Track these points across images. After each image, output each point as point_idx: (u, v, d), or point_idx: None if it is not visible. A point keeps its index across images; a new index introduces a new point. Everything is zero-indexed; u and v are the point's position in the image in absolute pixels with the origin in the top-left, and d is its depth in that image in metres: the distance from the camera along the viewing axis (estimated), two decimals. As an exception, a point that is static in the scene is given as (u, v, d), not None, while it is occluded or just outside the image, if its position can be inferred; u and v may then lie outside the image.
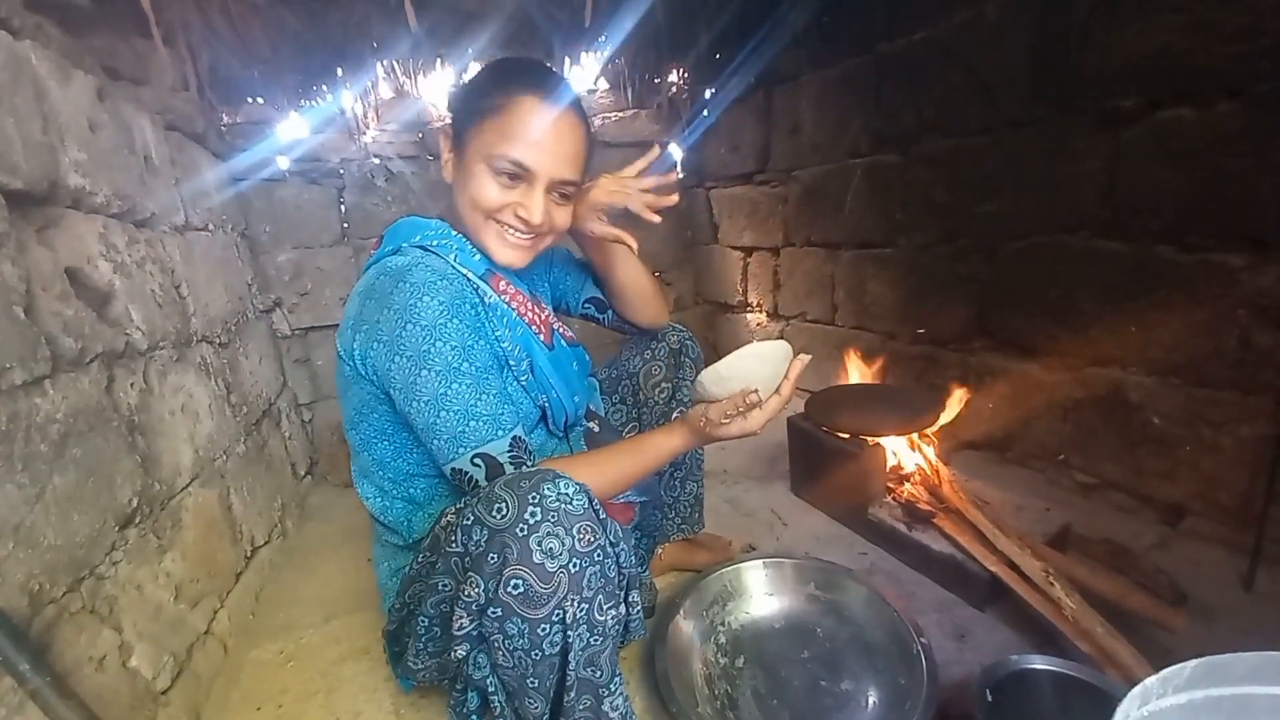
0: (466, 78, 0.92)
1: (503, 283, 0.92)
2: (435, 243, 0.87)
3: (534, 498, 0.65)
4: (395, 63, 2.08)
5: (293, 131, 2.15)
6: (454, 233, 0.90)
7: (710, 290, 3.01)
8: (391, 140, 2.31)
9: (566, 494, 0.66)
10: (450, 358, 0.76)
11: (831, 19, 1.96)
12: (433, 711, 1.04)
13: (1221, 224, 1.23)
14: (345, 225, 2.29)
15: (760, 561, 1.20)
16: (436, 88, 2.30)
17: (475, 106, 0.83)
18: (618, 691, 0.74)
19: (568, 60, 2.20)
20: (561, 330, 1.03)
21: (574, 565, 0.66)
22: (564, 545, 0.65)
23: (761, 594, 1.17)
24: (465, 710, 0.82)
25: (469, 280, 0.86)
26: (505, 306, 0.90)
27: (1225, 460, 1.29)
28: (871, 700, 0.96)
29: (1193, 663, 0.57)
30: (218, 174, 1.79)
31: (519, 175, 0.83)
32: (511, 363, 0.88)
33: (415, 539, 0.91)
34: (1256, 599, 1.15)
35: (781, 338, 2.60)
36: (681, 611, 1.09)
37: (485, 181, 0.83)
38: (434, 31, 1.85)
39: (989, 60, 1.56)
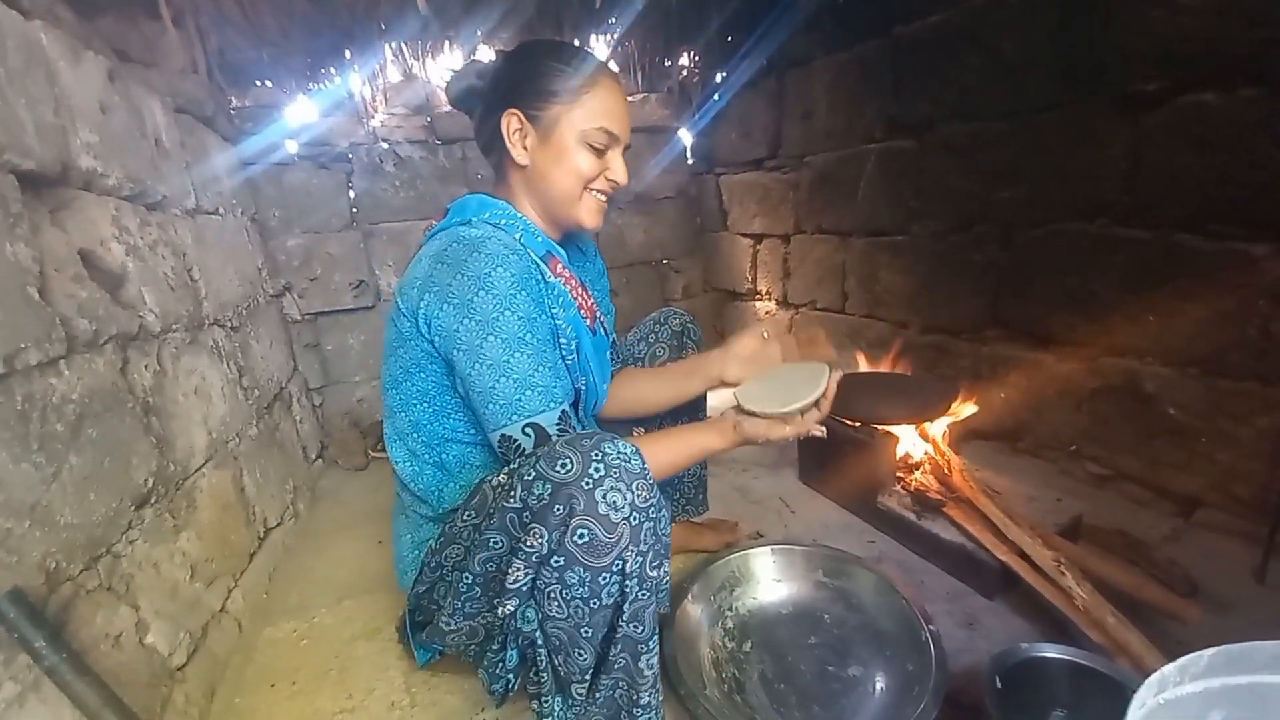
0: (515, 63, 0.94)
1: (559, 265, 0.97)
2: (502, 221, 0.92)
3: (596, 455, 0.69)
4: (403, 45, 2.06)
5: (301, 115, 2.15)
6: (518, 214, 0.94)
7: (719, 278, 2.99)
8: (400, 124, 2.30)
9: (625, 453, 0.70)
10: (516, 328, 0.80)
11: (847, 1, 1.93)
12: (444, 690, 1.05)
13: (1244, 212, 1.21)
14: (354, 210, 2.29)
15: (769, 548, 1.20)
16: (445, 70, 2.28)
17: (556, 88, 0.88)
18: (654, 650, 0.77)
19: (576, 42, 2.18)
20: (602, 319, 1.07)
21: (634, 519, 0.69)
22: (625, 499, 0.69)
23: (770, 580, 1.17)
24: (500, 671, 0.84)
25: (532, 259, 0.90)
26: (562, 287, 0.94)
27: (1242, 452, 1.27)
28: (879, 686, 0.97)
29: (1210, 651, 0.56)
30: (227, 158, 1.79)
31: (607, 145, 0.91)
32: (563, 341, 0.92)
33: (444, 510, 0.93)
34: (1270, 591, 1.14)
35: (790, 326, 2.58)
36: (690, 596, 1.09)
37: (583, 155, 0.91)
38: (442, 13, 1.83)
39: (1010, 43, 1.53)
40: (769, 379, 0.98)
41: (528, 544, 0.71)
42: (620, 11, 2.04)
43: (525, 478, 0.72)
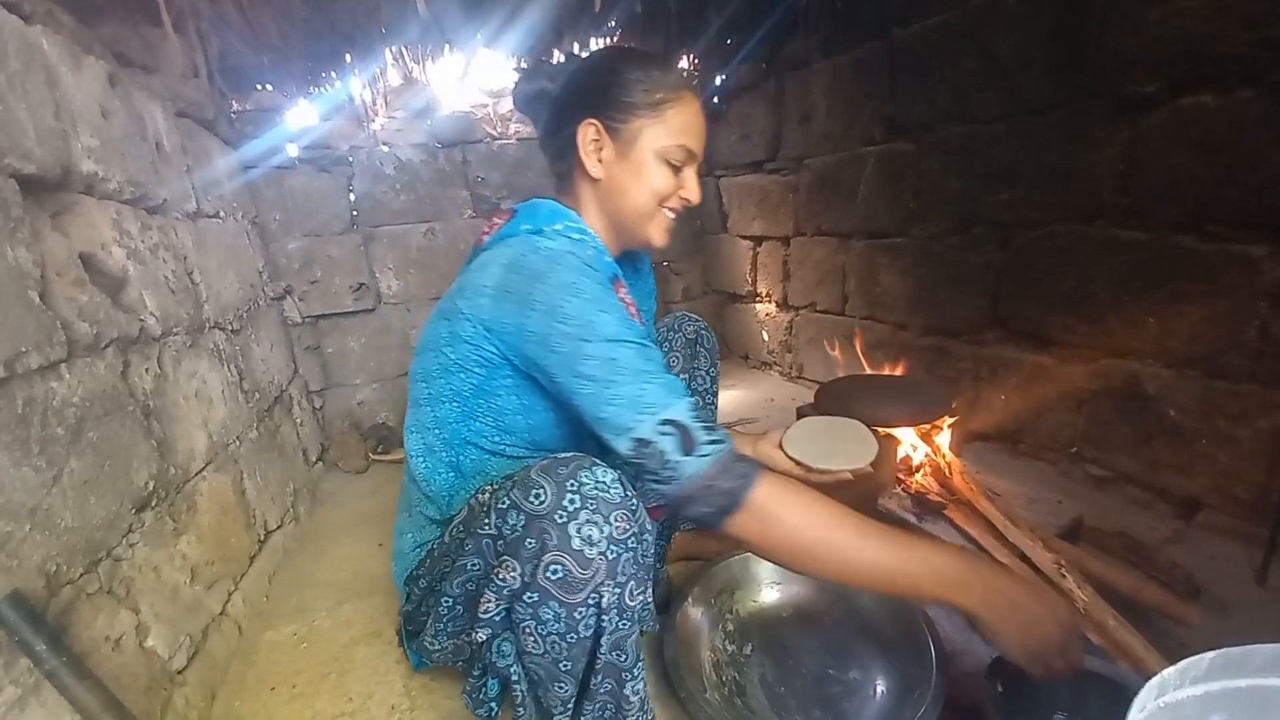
0: (596, 70, 0.90)
1: (623, 290, 0.92)
2: (575, 235, 0.87)
3: (572, 485, 0.66)
4: (404, 49, 2.06)
5: (302, 119, 2.16)
6: (589, 229, 0.90)
7: (719, 280, 2.99)
8: (400, 128, 2.31)
9: (604, 482, 0.67)
10: (616, 326, 0.74)
11: (845, 4, 1.93)
12: (443, 694, 1.05)
13: (1242, 213, 1.21)
14: (354, 213, 2.30)
15: (769, 551, 1.19)
16: (445, 74, 2.29)
17: (639, 100, 0.85)
18: (639, 676, 0.75)
19: (576, 45, 2.18)
20: None
21: (611, 552, 0.66)
22: (602, 533, 0.65)
23: (769, 583, 1.17)
24: (483, 697, 0.82)
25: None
26: (626, 309, 0.91)
27: (1242, 453, 1.27)
28: (880, 689, 0.96)
29: (1211, 654, 0.56)
30: (228, 161, 1.80)
31: (684, 162, 0.89)
32: None
33: (451, 515, 0.91)
34: (1271, 593, 1.14)
35: (791, 328, 2.58)
36: (690, 599, 1.09)
37: (661, 172, 0.87)
38: (442, 17, 1.84)
39: (1007, 45, 1.53)
40: (813, 432, 0.98)
41: (500, 576, 0.69)
42: (620, 14, 2.05)
43: (500, 505, 0.70)
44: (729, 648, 1.07)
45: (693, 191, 0.91)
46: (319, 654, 1.18)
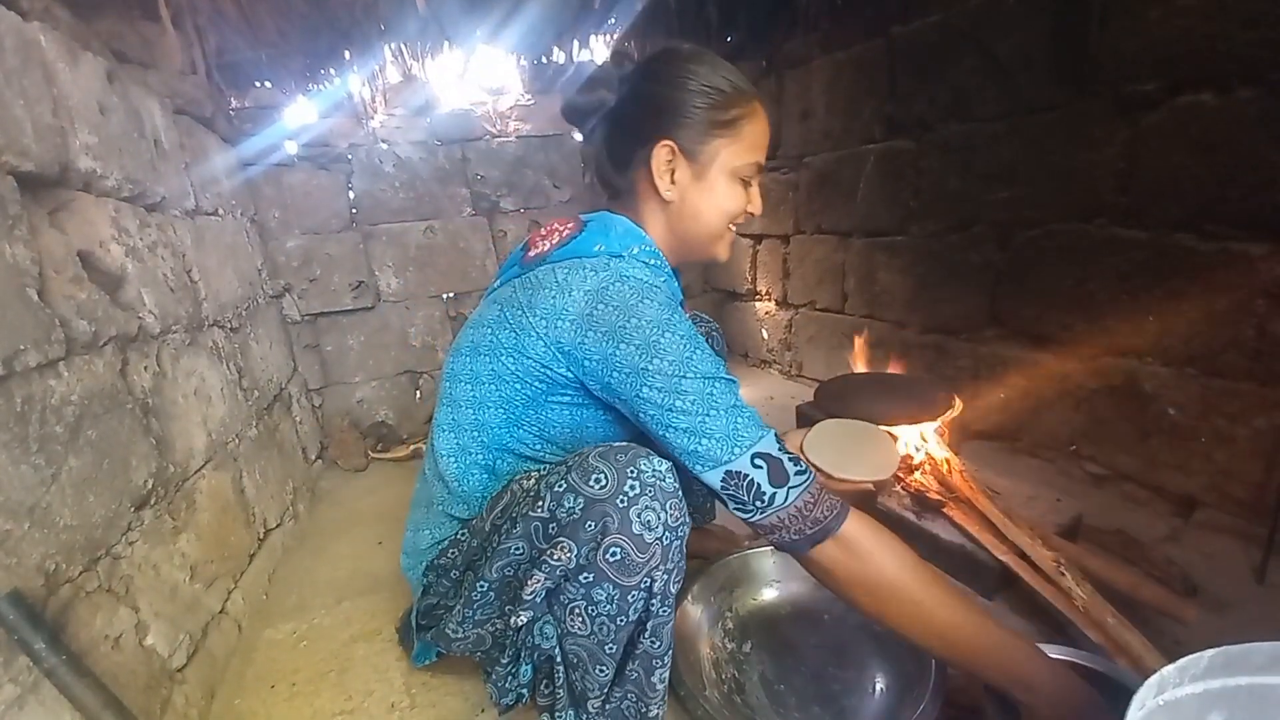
0: (666, 83, 0.83)
1: (688, 313, 0.92)
2: (651, 261, 0.84)
3: (632, 471, 0.68)
4: (403, 46, 2.06)
5: (301, 116, 2.15)
6: (659, 252, 0.87)
7: (718, 278, 2.99)
8: (400, 125, 2.30)
9: (660, 471, 0.69)
10: (710, 363, 0.74)
11: (844, 1, 1.93)
12: (443, 691, 1.05)
13: (1241, 212, 1.21)
14: (354, 211, 2.29)
15: (768, 548, 1.19)
16: (444, 71, 2.28)
17: (717, 119, 0.82)
18: (667, 664, 0.76)
19: (576, 43, 2.18)
20: None
21: (665, 538, 0.69)
22: (659, 519, 0.68)
23: (769, 581, 1.17)
24: (514, 682, 0.82)
25: None
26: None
27: (1239, 452, 1.27)
28: (879, 687, 0.97)
29: (1210, 652, 0.56)
30: (227, 159, 1.79)
31: (753, 176, 0.86)
32: None
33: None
34: (1269, 591, 1.14)
35: (790, 326, 2.58)
36: (689, 596, 1.09)
37: (735, 192, 0.85)
38: (441, 14, 1.83)
39: (1007, 44, 1.53)
40: (834, 437, 0.97)
41: (554, 557, 0.70)
42: (619, 10, 2.04)
43: (555, 488, 0.70)
44: (728, 645, 1.07)
45: (757, 204, 0.89)
46: (318, 652, 1.18)
